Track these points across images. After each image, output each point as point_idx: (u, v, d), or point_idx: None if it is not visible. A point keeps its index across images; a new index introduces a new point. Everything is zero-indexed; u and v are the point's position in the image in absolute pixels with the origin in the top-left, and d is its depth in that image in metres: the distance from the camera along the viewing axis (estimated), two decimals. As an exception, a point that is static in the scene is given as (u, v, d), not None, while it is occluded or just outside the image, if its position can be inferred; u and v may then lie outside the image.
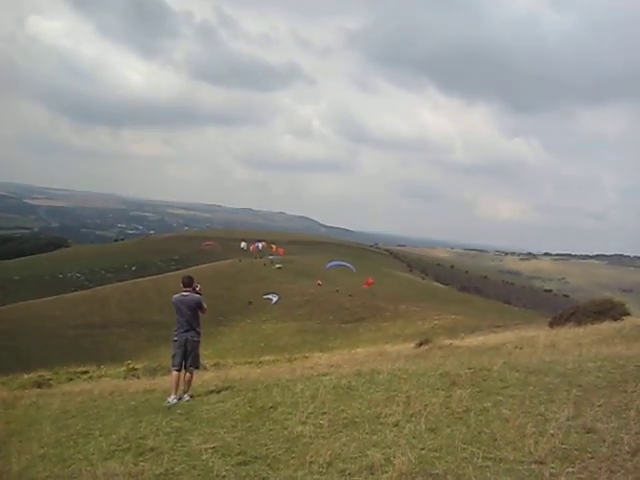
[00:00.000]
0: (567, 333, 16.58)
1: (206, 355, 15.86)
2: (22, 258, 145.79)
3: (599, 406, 7.09)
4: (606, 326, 16.98)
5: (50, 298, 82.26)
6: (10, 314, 71.95)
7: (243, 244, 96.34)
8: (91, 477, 5.95)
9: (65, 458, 7.03)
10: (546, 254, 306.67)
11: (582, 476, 5.03)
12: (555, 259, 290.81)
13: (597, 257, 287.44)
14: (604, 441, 5.82)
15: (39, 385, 18.43)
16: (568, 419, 6.56)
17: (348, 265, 79.53)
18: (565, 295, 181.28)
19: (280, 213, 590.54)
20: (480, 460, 5.49)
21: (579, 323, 19.06)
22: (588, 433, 6.14)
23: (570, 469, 5.16)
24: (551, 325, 22.65)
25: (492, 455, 5.64)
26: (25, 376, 21.57)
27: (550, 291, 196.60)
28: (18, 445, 7.83)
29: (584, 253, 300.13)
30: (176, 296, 10.34)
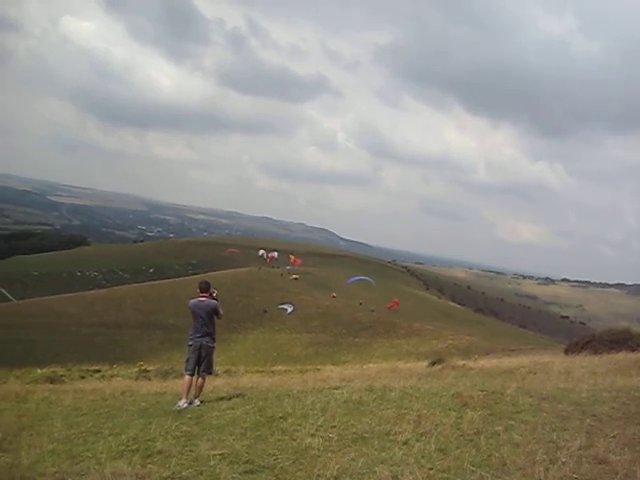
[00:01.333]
0: (582, 361, 16.39)
1: (218, 362, 15.85)
2: (42, 254, 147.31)
3: (612, 437, 7.00)
4: (622, 356, 16.75)
5: (67, 295, 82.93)
6: (27, 309, 72.63)
7: (261, 252, 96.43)
8: (99, 476, 5.96)
9: (74, 455, 7.05)
10: (564, 280, 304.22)
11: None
12: (573, 285, 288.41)
13: (616, 286, 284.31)
14: (616, 473, 5.75)
15: (52, 381, 18.53)
16: (580, 448, 6.49)
17: (369, 279, 79.47)
18: (582, 322, 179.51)
19: (300, 224, 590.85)
20: (489, 484, 5.45)
21: (595, 352, 18.83)
22: (600, 464, 6.06)
23: (580, 499, 5.10)
24: (566, 352, 22.41)
25: (501, 479, 5.59)
26: (39, 371, 21.69)
27: (567, 317, 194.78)
28: (28, 439, 7.88)
29: (603, 281, 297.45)
30: (193, 301, 10.38)
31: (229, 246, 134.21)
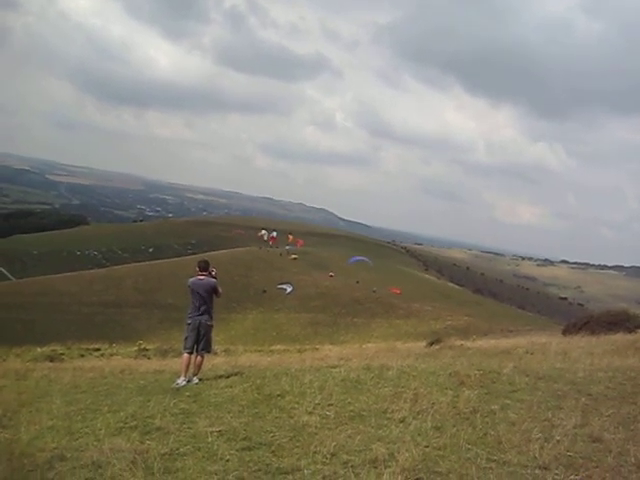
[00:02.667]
0: (580, 342, 16.45)
1: (217, 340, 15.94)
2: (42, 233, 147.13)
3: (607, 416, 7.06)
4: (620, 337, 16.81)
5: (67, 274, 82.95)
6: (27, 288, 72.66)
7: (263, 232, 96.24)
8: (98, 452, 6.02)
9: (73, 431, 7.11)
10: (563, 261, 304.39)
11: (585, 484, 5.02)
12: (572, 267, 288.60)
13: (615, 268, 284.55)
14: (610, 451, 5.80)
15: (51, 359, 18.62)
16: (575, 427, 6.55)
17: (367, 260, 79.52)
18: (580, 304, 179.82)
19: (299, 204, 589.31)
20: (484, 461, 5.50)
21: (592, 333, 18.89)
22: (594, 442, 6.12)
23: (574, 477, 5.15)
24: (564, 333, 22.48)
25: (496, 457, 5.64)
26: (38, 349, 21.75)
27: (565, 299, 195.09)
28: (28, 416, 7.93)
29: (602, 263, 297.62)
30: (192, 279, 10.40)
31: (229, 226, 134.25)
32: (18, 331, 43.23)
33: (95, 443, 6.42)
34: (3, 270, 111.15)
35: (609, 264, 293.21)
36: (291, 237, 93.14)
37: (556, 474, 5.20)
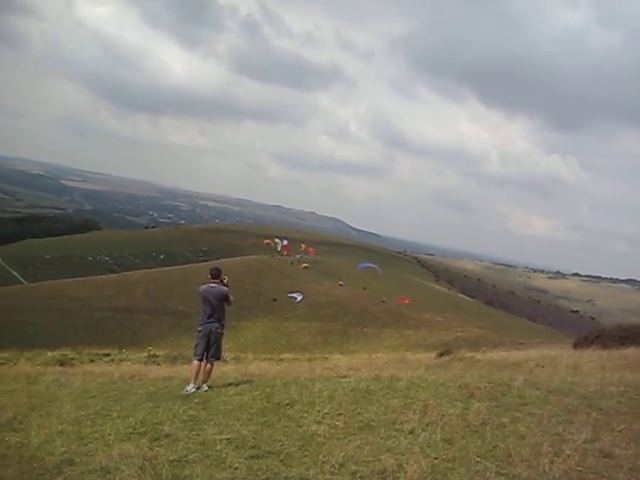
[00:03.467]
0: (591, 356, 16.34)
1: (227, 348, 15.92)
2: (54, 238, 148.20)
3: (619, 431, 7.00)
4: (632, 352, 16.68)
5: (78, 279, 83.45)
6: (39, 292, 73.17)
7: (277, 241, 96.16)
8: (107, 457, 6.03)
9: (83, 436, 7.13)
10: (575, 274, 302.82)
11: (595, 500, 4.98)
12: (584, 280, 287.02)
13: (627, 281, 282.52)
14: (621, 467, 5.75)
15: (62, 363, 18.68)
16: (586, 442, 6.49)
17: (375, 267, 79.66)
18: (592, 317, 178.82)
19: (311, 213, 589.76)
20: (493, 475, 5.46)
21: (604, 347, 18.74)
22: (605, 458, 6.07)
23: (584, 491, 5.11)
24: (575, 346, 22.34)
25: (505, 471, 5.60)
26: (49, 353, 21.83)
27: (577, 312, 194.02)
28: (38, 420, 7.97)
29: (614, 276, 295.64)
30: (204, 287, 10.41)
31: (241, 234, 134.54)
32: (29, 334, 43.56)
33: (104, 448, 6.44)
34: (16, 274, 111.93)
35: (621, 277, 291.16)
36: (304, 246, 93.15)
37: (566, 489, 5.17)
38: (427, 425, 7.10)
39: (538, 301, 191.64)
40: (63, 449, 6.52)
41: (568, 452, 6.05)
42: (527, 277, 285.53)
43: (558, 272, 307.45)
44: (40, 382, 11.85)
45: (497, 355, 21.77)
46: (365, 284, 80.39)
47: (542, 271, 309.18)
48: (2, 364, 18.61)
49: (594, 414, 7.74)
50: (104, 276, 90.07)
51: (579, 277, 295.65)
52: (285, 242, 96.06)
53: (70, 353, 22.31)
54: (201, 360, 10.16)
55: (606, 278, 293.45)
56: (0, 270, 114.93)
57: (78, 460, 6.11)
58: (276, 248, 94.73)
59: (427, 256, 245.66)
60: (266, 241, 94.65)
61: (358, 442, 6.43)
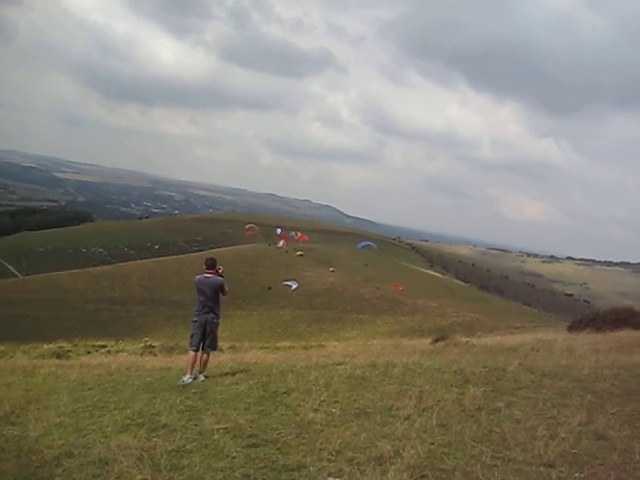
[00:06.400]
0: (585, 339, 16.44)
1: (223, 337, 15.95)
2: (48, 230, 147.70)
3: (612, 414, 7.07)
4: (625, 334, 16.81)
5: (73, 271, 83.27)
6: (33, 285, 73.03)
7: (279, 230, 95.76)
8: (105, 448, 6.05)
9: (80, 428, 7.15)
10: (569, 258, 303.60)
11: (590, 482, 5.04)
12: (578, 264, 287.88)
13: (621, 264, 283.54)
14: (615, 449, 5.82)
15: (58, 356, 18.69)
16: (580, 424, 6.56)
17: (372, 244, 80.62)
18: (586, 301, 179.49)
19: (305, 201, 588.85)
20: (489, 459, 5.51)
21: (598, 330, 18.86)
22: (599, 440, 6.14)
23: (579, 474, 5.16)
24: (570, 330, 22.48)
25: (501, 455, 5.66)
26: (45, 346, 21.85)
27: (571, 295, 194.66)
28: (36, 412, 7.97)
29: (608, 260, 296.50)
30: (199, 277, 10.41)
31: (235, 223, 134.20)
32: (25, 327, 43.53)
33: (102, 440, 6.46)
34: (10, 267, 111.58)
35: (615, 261, 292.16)
36: (299, 234, 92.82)
37: (561, 471, 5.22)
38: (423, 411, 7.15)
39: (532, 285, 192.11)
40: (61, 441, 6.54)
41: (563, 435, 6.11)
42: (521, 261, 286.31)
43: (552, 256, 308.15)
44: (37, 375, 11.83)
45: (492, 340, 21.90)
46: (362, 272, 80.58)
47: (536, 255, 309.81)
48: (-2, 357, 18.63)
49: (588, 397, 7.81)
50: (99, 268, 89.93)
51: (573, 261, 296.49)
52: (278, 231, 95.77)
53: (66, 345, 22.35)
54: (197, 350, 10.16)
55: (600, 261, 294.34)
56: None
57: (76, 452, 6.13)
58: (276, 241, 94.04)
59: (421, 242, 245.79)
60: (248, 226, 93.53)
61: (355, 429, 6.47)
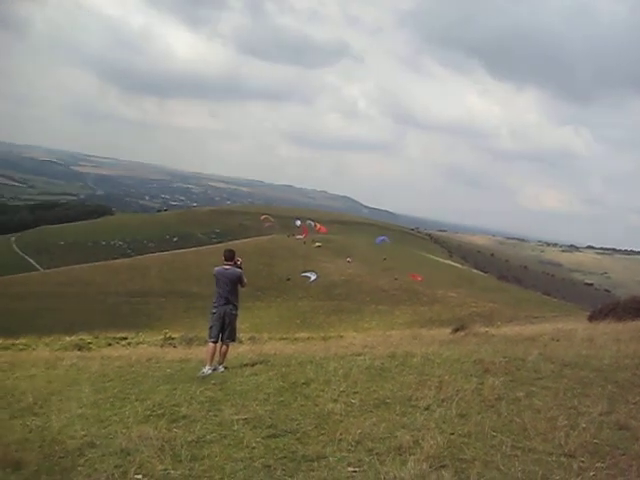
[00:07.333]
0: (606, 328, 16.29)
1: (242, 329, 15.98)
2: (68, 224, 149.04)
3: (634, 404, 7.02)
4: (647, 324, 16.64)
5: (93, 264, 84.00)
6: (54, 278, 73.78)
7: (298, 222, 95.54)
8: (126, 439, 6.12)
9: (102, 419, 7.23)
10: (589, 247, 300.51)
11: (612, 472, 4.99)
12: (598, 253, 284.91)
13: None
14: (637, 439, 5.77)
15: (79, 348, 18.88)
16: (601, 414, 6.52)
17: (387, 239, 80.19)
18: (606, 290, 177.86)
19: (322, 192, 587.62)
20: (509, 449, 5.49)
21: (619, 319, 18.67)
22: (621, 430, 6.09)
23: (600, 464, 5.12)
24: (590, 319, 22.29)
25: (521, 445, 5.63)
26: (67, 338, 22.06)
27: (591, 285, 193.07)
28: (58, 404, 8.08)
29: (629, 248, 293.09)
30: (218, 269, 10.43)
31: (253, 215, 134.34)
32: (46, 320, 43.89)
33: (124, 431, 6.53)
34: (31, 260, 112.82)
35: (636, 249, 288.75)
36: (318, 225, 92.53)
37: (582, 461, 5.18)
38: (442, 401, 7.14)
39: (552, 275, 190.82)
40: (83, 432, 6.62)
41: (584, 425, 6.07)
42: (540, 251, 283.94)
43: (572, 245, 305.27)
44: (59, 367, 11.97)
45: (511, 330, 21.77)
46: (378, 261, 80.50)
47: (555, 245, 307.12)
48: (21, 350, 18.86)
49: (609, 387, 7.75)
50: (118, 260, 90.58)
51: (593, 250, 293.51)
52: (298, 222, 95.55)
53: (87, 338, 22.53)
54: (216, 342, 10.20)
55: (620, 250, 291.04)
56: (16, 257, 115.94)
57: (98, 443, 6.21)
58: (295, 233, 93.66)
59: (439, 232, 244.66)
60: (263, 217, 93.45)
61: (374, 419, 6.48)
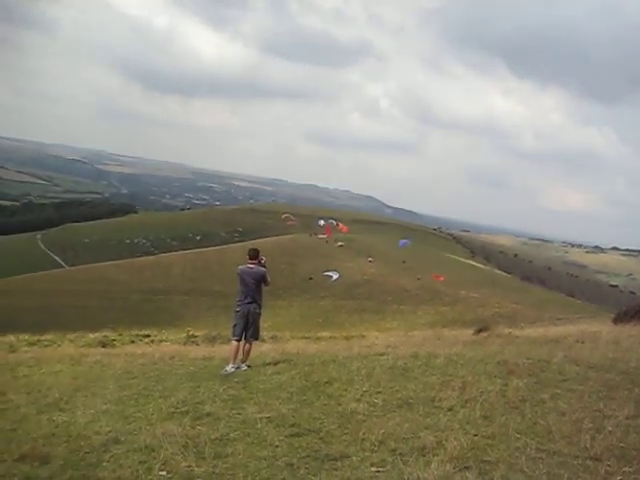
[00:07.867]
0: (632, 330, 16.06)
1: (264, 328, 16.00)
2: (93, 222, 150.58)
3: (661, 407, 6.92)
4: (674, 326, 16.40)
5: (117, 262, 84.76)
6: (79, 275, 74.60)
7: (321, 222, 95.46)
8: (151, 436, 6.17)
9: (126, 416, 7.30)
10: (614, 248, 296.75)
11: (639, 477, 4.93)
12: (623, 254, 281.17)
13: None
14: (664, 443, 5.69)
15: (104, 345, 19.01)
16: (628, 418, 6.44)
17: (408, 242, 79.74)
18: (632, 292, 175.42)
19: (345, 191, 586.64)
20: (533, 451, 5.45)
21: (645, 321, 18.43)
22: (648, 433, 6.01)
23: (627, 468, 5.06)
24: (615, 321, 22.00)
25: (546, 447, 5.59)
26: (91, 335, 22.22)
27: (616, 287, 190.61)
28: (83, 400, 8.17)
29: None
30: (242, 267, 10.46)
31: (275, 214, 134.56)
32: (71, 317, 44.43)
33: (148, 427, 6.59)
34: (57, 258, 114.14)
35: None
36: (340, 225, 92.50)
37: (608, 465, 5.13)
38: (466, 402, 7.10)
39: (576, 276, 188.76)
40: (108, 428, 6.70)
41: (610, 428, 6.00)
42: (564, 252, 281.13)
43: (596, 246, 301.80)
44: (83, 363, 12.09)
45: (535, 331, 21.56)
46: (400, 261, 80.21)
47: (580, 246, 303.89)
48: (46, 346, 19.04)
49: (636, 390, 7.65)
50: (142, 258, 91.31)
51: (618, 251, 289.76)
52: (321, 222, 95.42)
53: (111, 335, 22.70)
54: (239, 340, 10.24)
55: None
56: (41, 254, 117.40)
57: (123, 439, 6.27)
58: (318, 233, 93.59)
59: (462, 232, 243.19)
60: (284, 216, 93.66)
61: (397, 419, 6.47)
